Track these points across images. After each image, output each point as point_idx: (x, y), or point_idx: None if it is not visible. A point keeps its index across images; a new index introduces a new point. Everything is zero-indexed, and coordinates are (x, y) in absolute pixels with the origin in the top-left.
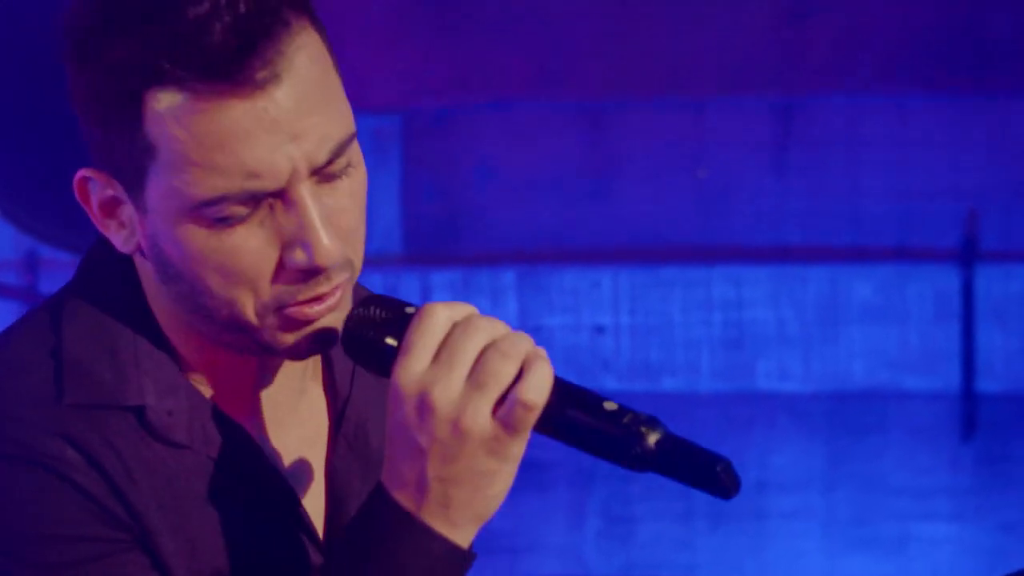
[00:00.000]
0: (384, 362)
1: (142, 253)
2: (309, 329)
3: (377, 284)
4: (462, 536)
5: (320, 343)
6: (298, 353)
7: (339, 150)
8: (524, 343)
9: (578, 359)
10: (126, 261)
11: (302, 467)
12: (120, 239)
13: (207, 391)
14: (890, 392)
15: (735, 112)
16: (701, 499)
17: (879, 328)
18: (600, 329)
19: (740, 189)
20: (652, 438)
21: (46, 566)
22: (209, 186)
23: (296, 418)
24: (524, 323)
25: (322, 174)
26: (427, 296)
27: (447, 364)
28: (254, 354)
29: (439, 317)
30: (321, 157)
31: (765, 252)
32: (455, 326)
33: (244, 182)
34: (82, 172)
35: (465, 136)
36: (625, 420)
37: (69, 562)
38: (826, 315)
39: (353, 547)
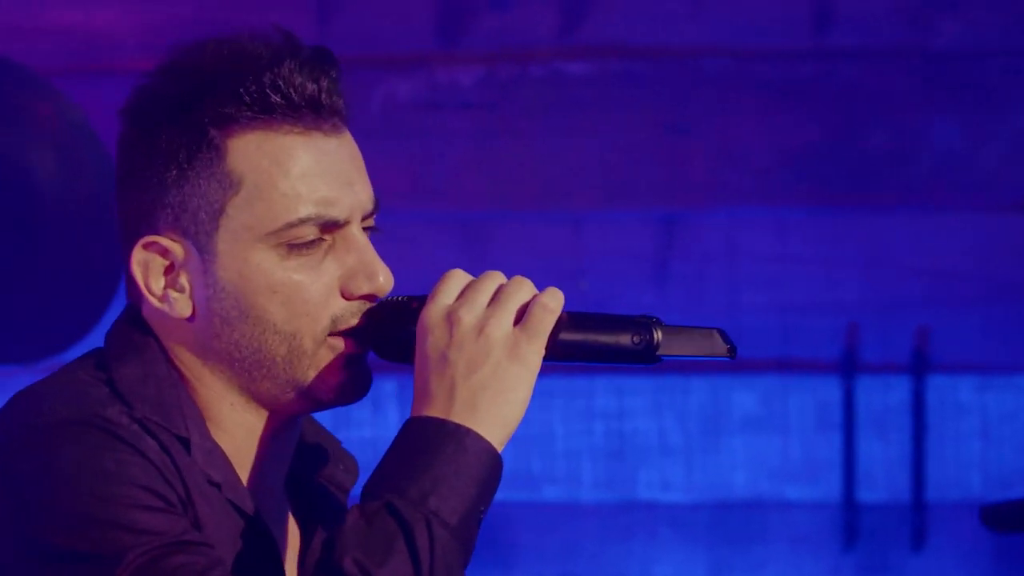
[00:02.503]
0: (395, 338)
1: (190, 319)
2: (350, 371)
3: None
4: (493, 437)
5: (360, 387)
6: (336, 392)
7: (377, 206)
8: (534, 286)
9: None
10: (151, 340)
11: (293, 547)
12: (178, 306)
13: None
14: (772, 502)
15: (615, 224)
16: None
17: (761, 438)
18: None
19: (621, 301)
20: (658, 330)
21: (131, 527)
22: (292, 211)
23: (276, 504)
24: None
25: (364, 225)
26: None
27: (471, 295)
28: (286, 407)
29: (460, 274)
30: (370, 205)
31: None
32: (473, 279)
33: (321, 209)
34: (143, 240)
35: None
36: (630, 321)
37: (151, 528)
38: (708, 425)
39: (393, 461)
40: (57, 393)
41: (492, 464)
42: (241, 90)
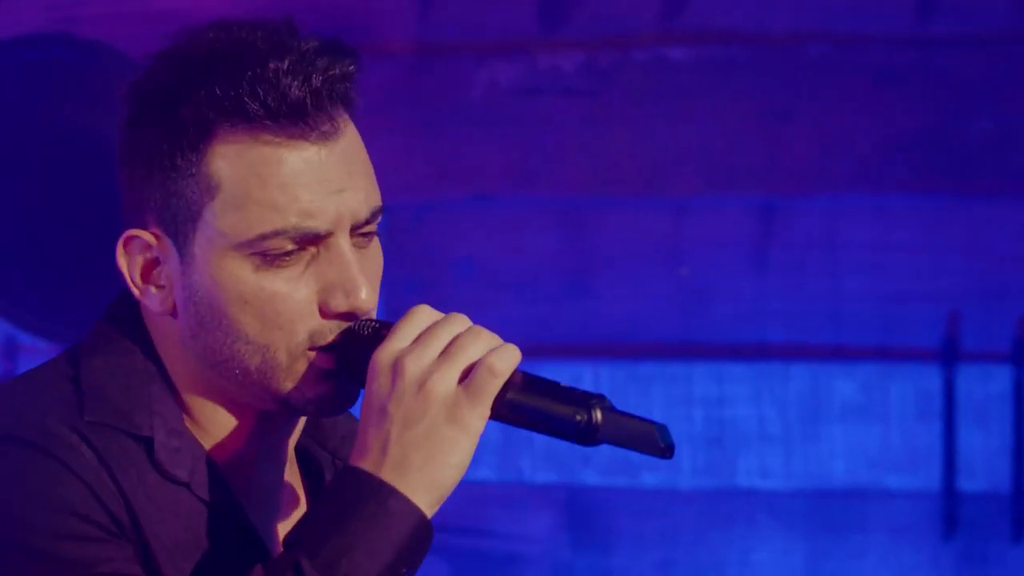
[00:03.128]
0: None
1: (173, 314)
2: (329, 385)
3: None
4: (420, 500)
5: (340, 401)
6: (314, 404)
7: (374, 215)
8: (496, 337)
9: (558, 453)
10: (138, 328)
11: (276, 547)
12: (157, 300)
13: (207, 447)
14: (871, 491)
15: (716, 211)
16: None
17: (861, 427)
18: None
19: (721, 288)
20: (599, 411)
21: (56, 558)
22: (267, 222)
23: (274, 503)
24: None
25: (357, 233)
26: None
27: (424, 342)
28: (269, 410)
29: (424, 312)
30: (362, 214)
31: (746, 349)
32: (437, 320)
33: (299, 220)
34: (129, 232)
35: (445, 232)
36: (576, 395)
37: (70, 536)
38: (807, 413)
39: (318, 511)
40: (9, 399)
41: (417, 528)
42: (221, 94)
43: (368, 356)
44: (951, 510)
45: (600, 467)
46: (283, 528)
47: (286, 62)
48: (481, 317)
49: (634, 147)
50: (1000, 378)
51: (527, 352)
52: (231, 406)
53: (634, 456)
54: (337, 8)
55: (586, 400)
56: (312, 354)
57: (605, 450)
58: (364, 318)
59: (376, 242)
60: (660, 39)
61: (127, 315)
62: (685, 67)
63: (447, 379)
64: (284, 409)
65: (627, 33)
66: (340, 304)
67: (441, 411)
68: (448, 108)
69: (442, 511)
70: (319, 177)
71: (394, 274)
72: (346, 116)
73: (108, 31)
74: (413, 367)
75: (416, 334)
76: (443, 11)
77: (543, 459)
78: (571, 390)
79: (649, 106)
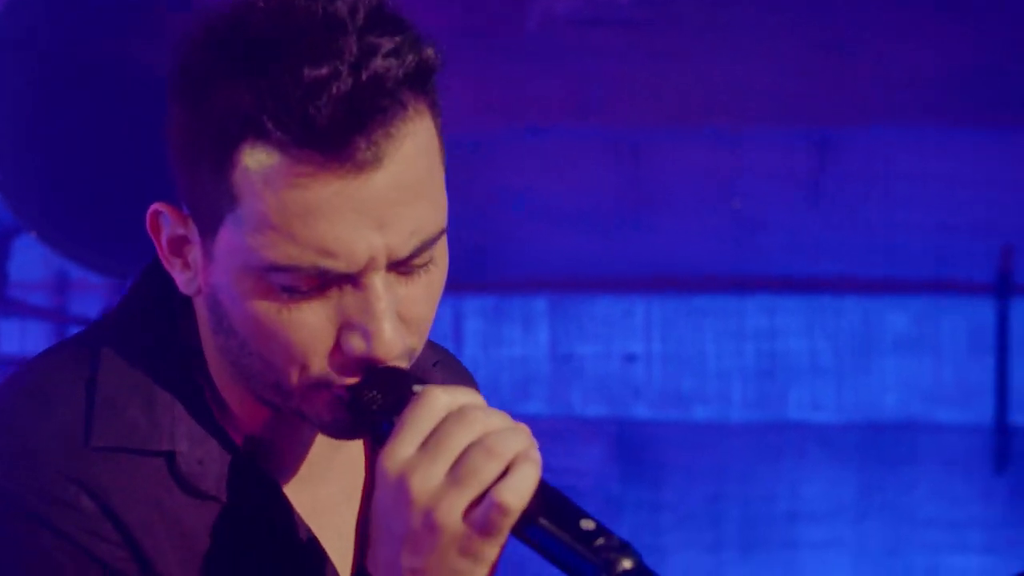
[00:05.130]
0: (380, 433)
1: (199, 296)
2: (343, 415)
3: None
4: None
5: (356, 429)
6: (337, 432)
7: (424, 246)
8: (516, 442)
9: (609, 387)
10: (178, 296)
11: (333, 524)
12: (183, 280)
13: (242, 439)
14: (923, 424)
15: (770, 144)
16: (731, 529)
17: (912, 360)
18: (631, 358)
19: (774, 220)
20: (620, 567)
21: None
22: (282, 253)
23: (331, 473)
24: (555, 351)
25: (402, 267)
26: (459, 322)
27: (431, 453)
28: (293, 415)
29: (436, 404)
30: (404, 251)
31: (798, 282)
32: (448, 415)
33: (317, 258)
34: (156, 206)
35: (498, 164)
36: (597, 543)
37: None
38: (859, 346)
39: None
40: (10, 433)
41: None
42: (243, 108)
43: (377, 421)
44: (1003, 444)
45: (651, 401)
46: (339, 497)
47: (325, 69)
48: (534, 250)
49: (689, 79)
50: None
51: (581, 285)
52: (255, 402)
53: (685, 389)
54: None
55: (608, 551)
56: (327, 385)
57: (656, 383)
58: (389, 364)
59: (433, 269)
60: None
61: (160, 287)
62: (740, 0)
63: (455, 511)
64: (302, 419)
65: None
66: (358, 348)
67: (452, 544)
68: (504, 40)
69: None
70: (350, 210)
71: (450, 208)
72: (405, 128)
73: None
74: (419, 490)
75: (424, 435)
76: None
77: (594, 392)
78: (594, 531)
79: (705, 38)
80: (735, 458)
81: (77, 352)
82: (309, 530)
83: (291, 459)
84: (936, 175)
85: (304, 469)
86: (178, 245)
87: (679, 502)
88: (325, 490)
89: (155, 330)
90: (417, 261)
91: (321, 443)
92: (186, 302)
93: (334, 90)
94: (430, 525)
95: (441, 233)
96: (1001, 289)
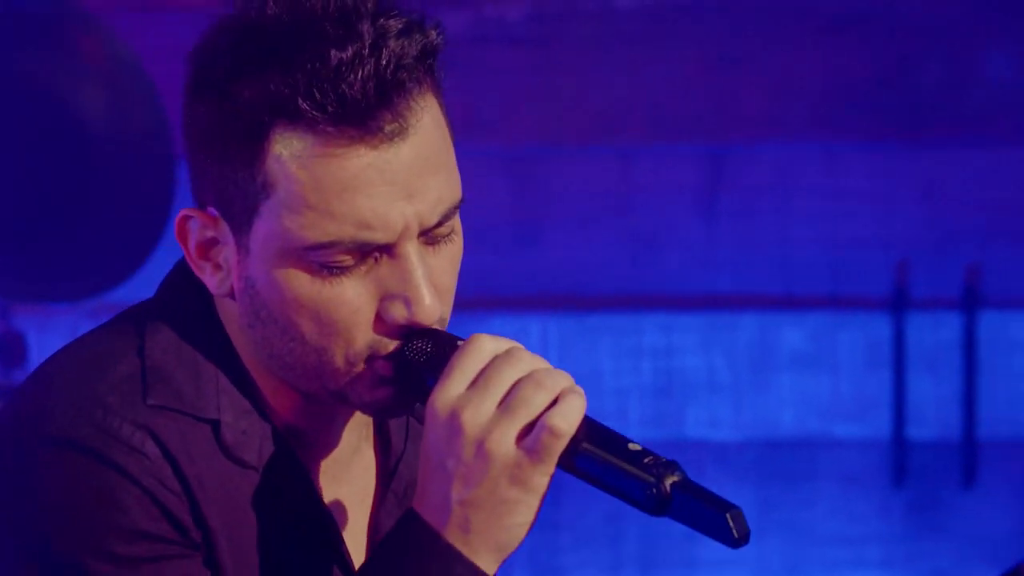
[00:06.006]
0: (428, 388)
1: (232, 296)
2: (388, 390)
3: None
4: (484, 562)
5: (400, 404)
6: (379, 410)
7: (448, 215)
8: (562, 378)
9: None
10: (206, 296)
11: (349, 521)
12: (215, 281)
13: (279, 424)
14: (821, 440)
15: (665, 160)
16: (630, 548)
17: (809, 376)
18: None
19: (670, 238)
20: (669, 480)
21: (103, 557)
22: (321, 231)
23: (348, 475)
24: None
25: (428, 236)
26: None
27: (482, 389)
28: (329, 404)
29: (483, 348)
30: (432, 219)
31: (695, 300)
32: (496, 357)
33: (356, 231)
34: (184, 212)
35: None
36: (647, 460)
37: (124, 557)
38: (756, 363)
39: (380, 562)
40: (72, 383)
41: None
42: (275, 91)
43: (426, 377)
44: (900, 458)
45: None
46: (354, 498)
47: (350, 50)
48: None
49: (582, 96)
50: (949, 326)
51: (476, 304)
52: (289, 391)
53: None
54: None
55: (656, 467)
56: (371, 361)
57: None
58: (430, 327)
59: (454, 239)
60: None
61: (189, 285)
62: (634, 15)
63: (507, 438)
64: (344, 403)
65: None
66: (400, 315)
67: (503, 472)
68: None
69: None
70: (383, 181)
71: None
72: (422, 103)
73: None
74: (471, 423)
75: (472, 376)
76: None
77: None
78: (641, 452)
79: (597, 55)
80: None
81: (121, 327)
82: (334, 521)
83: (318, 452)
84: (830, 190)
85: (328, 464)
86: (207, 248)
87: (577, 521)
88: (345, 488)
89: (191, 320)
90: (442, 230)
91: (345, 444)
92: (210, 302)
93: (361, 69)
94: (482, 454)
95: (460, 203)
96: (897, 303)
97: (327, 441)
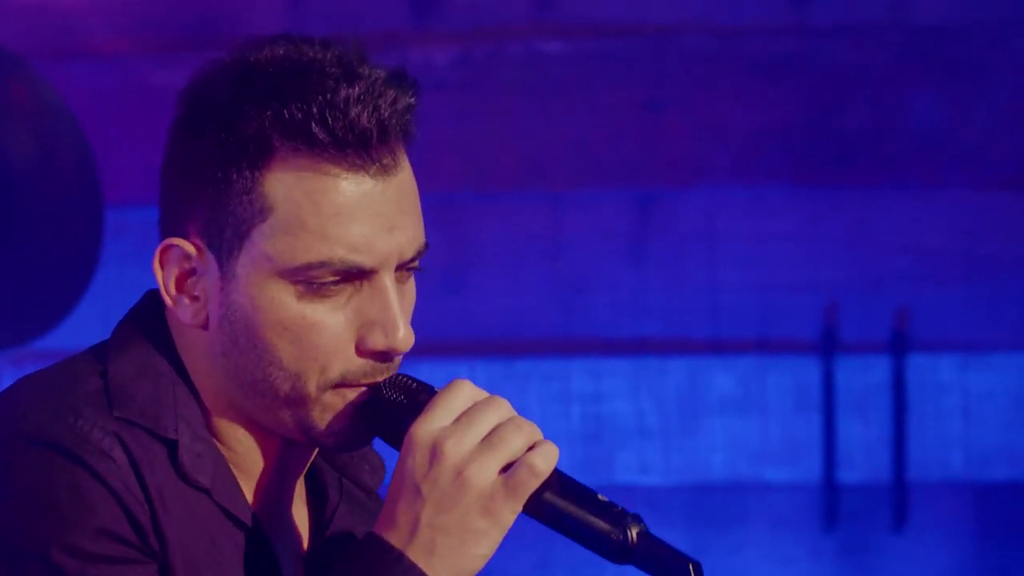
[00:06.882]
0: (400, 427)
1: (204, 327)
2: (355, 421)
3: None
4: None
5: (364, 438)
6: (346, 441)
7: (420, 252)
8: (536, 429)
9: None
10: (164, 330)
11: (290, 558)
12: (190, 312)
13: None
14: (751, 484)
15: (593, 205)
16: None
17: (739, 420)
18: None
19: (598, 282)
20: (634, 530)
21: (68, 551)
22: (314, 252)
23: (286, 520)
24: None
25: (399, 272)
26: None
27: (465, 424)
28: (291, 437)
29: (466, 390)
30: (409, 253)
31: (623, 344)
32: (477, 401)
33: (346, 254)
34: (167, 241)
35: None
36: (614, 511)
37: (89, 554)
38: (685, 407)
39: None
40: (45, 393)
41: None
42: (288, 117)
43: (399, 415)
44: (831, 502)
45: None
46: (292, 539)
47: (356, 89)
48: None
49: (509, 141)
50: (878, 369)
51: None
52: (252, 425)
53: None
54: (207, 5)
55: (622, 518)
56: (342, 390)
57: None
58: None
59: (412, 279)
60: (534, 32)
61: (152, 318)
62: (560, 60)
63: (487, 470)
64: (304, 438)
65: (501, 26)
66: (378, 342)
67: (476, 502)
68: None
69: None
70: (374, 212)
71: None
72: (402, 149)
73: None
74: (453, 451)
75: (457, 413)
76: (314, 4)
77: None
78: (608, 504)
79: (523, 100)
80: None
81: (84, 356)
82: (276, 555)
83: (264, 487)
84: (757, 233)
85: (270, 502)
86: (184, 279)
87: (508, 568)
88: (284, 529)
89: (153, 346)
90: (413, 265)
91: (286, 486)
92: (170, 339)
93: (368, 106)
94: (460, 482)
95: (427, 248)
96: (826, 346)
97: (269, 482)
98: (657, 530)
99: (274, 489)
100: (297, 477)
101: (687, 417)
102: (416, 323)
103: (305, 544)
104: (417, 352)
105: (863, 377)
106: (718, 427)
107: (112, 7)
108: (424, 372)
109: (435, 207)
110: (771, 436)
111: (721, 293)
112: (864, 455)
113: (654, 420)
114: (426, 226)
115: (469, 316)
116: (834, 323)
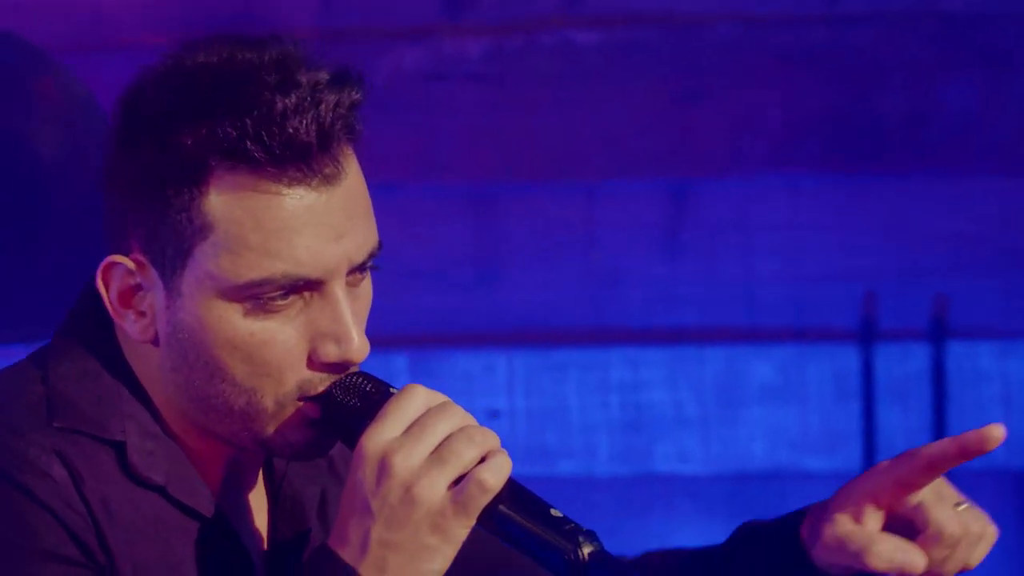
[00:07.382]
0: (356, 432)
1: (154, 343)
2: (312, 432)
3: None
4: None
5: (321, 448)
6: (303, 451)
7: (371, 255)
8: (492, 437)
9: None
10: (107, 329)
11: (253, 537)
12: (137, 328)
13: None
14: (791, 473)
15: (626, 196)
16: None
17: (778, 409)
18: (495, 413)
19: (633, 273)
20: (587, 548)
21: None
22: (258, 269)
23: (244, 505)
24: None
25: (351, 276)
26: None
27: (415, 436)
28: (245, 448)
29: (418, 397)
30: (360, 257)
31: (660, 333)
32: (430, 408)
33: (290, 268)
34: (110, 258)
35: None
36: (567, 527)
37: None
38: (724, 396)
39: None
40: None
41: None
42: (222, 136)
43: (355, 420)
44: None
45: (515, 456)
46: (253, 516)
47: (294, 98)
48: (392, 307)
49: (542, 133)
50: (917, 357)
51: (441, 341)
52: (201, 435)
53: (549, 443)
54: (238, 0)
55: (575, 535)
56: (300, 403)
57: (520, 439)
58: (353, 369)
59: (368, 278)
60: (566, 23)
61: (94, 321)
62: (593, 51)
63: (436, 487)
64: (259, 448)
65: (533, 17)
66: (331, 354)
67: (426, 519)
68: None
69: None
70: (318, 223)
71: None
72: (348, 151)
73: (19, 23)
74: (401, 467)
75: (407, 423)
76: None
77: None
78: (562, 519)
79: (556, 91)
80: (602, 512)
81: (25, 364)
82: (240, 539)
83: (221, 476)
84: (792, 223)
85: (229, 489)
86: (130, 295)
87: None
88: (245, 508)
89: (96, 347)
90: (366, 267)
91: (245, 482)
92: (114, 341)
93: (305, 116)
94: (409, 499)
95: (380, 247)
96: (865, 335)
97: (228, 478)
98: (697, 519)
99: (235, 479)
100: (255, 471)
101: (726, 406)
102: (452, 314)
103: (266, 520)
104: (455, 343)
105: (902, 365)
106: (757, 416)
107: (142, 2)
108: (462, 362)
109: (468, 199)
110: (810, 425)
111: (758, 283)
112: (904, 443)
113: (693, 409)
114: (459, 218)
115: (504, 307)
116: (872, 311)
